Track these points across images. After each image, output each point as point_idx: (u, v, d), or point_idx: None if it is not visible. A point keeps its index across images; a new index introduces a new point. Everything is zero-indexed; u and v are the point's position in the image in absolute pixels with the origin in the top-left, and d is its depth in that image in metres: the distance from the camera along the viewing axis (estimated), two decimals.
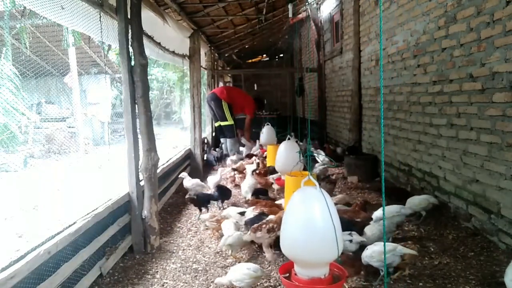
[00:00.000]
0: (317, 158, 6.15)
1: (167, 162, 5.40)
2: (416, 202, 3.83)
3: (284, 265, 2.27)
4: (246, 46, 12.00)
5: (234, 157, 7.35)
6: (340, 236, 2.03)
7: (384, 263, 1.91)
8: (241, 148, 8.15)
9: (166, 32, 5.32)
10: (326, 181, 4.79)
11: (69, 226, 2.62)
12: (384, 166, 5.90)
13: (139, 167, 3.42)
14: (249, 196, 4.68)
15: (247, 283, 2.61)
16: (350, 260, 2.74)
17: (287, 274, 2.18)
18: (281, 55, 16.98)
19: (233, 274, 2.65)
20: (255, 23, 8.41)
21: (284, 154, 4.48)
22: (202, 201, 4.38)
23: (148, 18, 4.32)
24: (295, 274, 2.11)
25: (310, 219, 2.04)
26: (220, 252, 3.39)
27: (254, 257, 3.29)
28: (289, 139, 4.57)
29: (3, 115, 8.03)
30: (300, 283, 2.06)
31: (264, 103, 8.98)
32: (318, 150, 7.07)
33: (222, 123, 8.08)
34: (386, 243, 2.66)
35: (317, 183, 2.10)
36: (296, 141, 4.92)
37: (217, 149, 8.36)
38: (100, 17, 3.27)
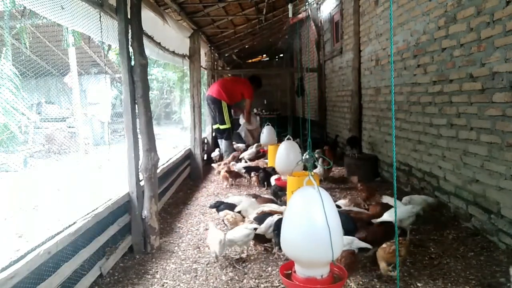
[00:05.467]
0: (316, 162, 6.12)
1: (167, 162, 5.39)
2: (416, 201, 3.83)
3: (286, 263, 2.28)
4: (246, 46, 12.00)
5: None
6: (337, 237, 2.01)
7: (397, 262, 1.90)
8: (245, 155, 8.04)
9: (166, 32, 5.32)
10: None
11: (69, 226, 2.62)
12: (384, 166, 5.90)
13: (139, 167, 3.42)
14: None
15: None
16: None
17: (290, 272, 2.19)
18: (281, 55, 16.99)
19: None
20: (255, 23, 8.41)
21: (284, 154, 4.47)
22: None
23: (148, 18, 4.32)
24: (295, 272, 2.12)
25: (307, 219, 2.04)
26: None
27: (260, 256, 3.29)
28: (289, 139, 4.56)
29: (3, 115, 8.02)
30: (297, 281, 2.07)
31: (261, 81, 8.82)
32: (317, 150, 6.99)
33: (221, 126, 8.08)
34: (344, 236, 2.59)
35: (315, 183, 2.09)
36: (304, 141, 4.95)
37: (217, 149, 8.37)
38: (100, 17, 3.27)
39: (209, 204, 4.54)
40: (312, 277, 2.04)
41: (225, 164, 6.57)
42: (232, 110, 8.53)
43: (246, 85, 8.39)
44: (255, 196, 4.41)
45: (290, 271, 2.18)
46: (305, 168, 4.19)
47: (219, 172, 6.16)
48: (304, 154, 3.98)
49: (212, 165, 6.84)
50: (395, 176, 1.77)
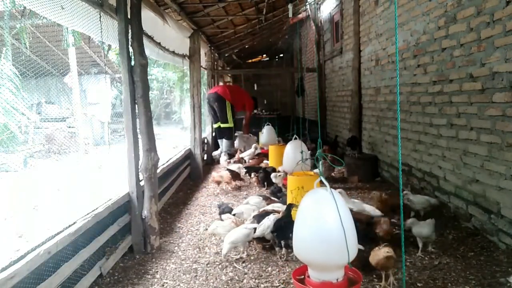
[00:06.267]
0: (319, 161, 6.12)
1: (167, 162, 5.40)
2: (418, 200, 3.83)
3: (299, 268, 2.25)
4: (246, 46, 12.01)
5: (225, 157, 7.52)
6: (352, 239, 1.98)
7: (403, 265, 1.89)
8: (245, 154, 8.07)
9: (166, 32, 5.32)
10: None
11: (69, 226, 2.62)
12: (384, 166, 5.90)
13: (139, 167, 3.42)
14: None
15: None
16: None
17: (302, 277, 2.15)
18: (281, 55, 17.00)
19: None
20: (255, 23, 8.41)
21: (291, 154, 4.49)
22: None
23: (148, 18, 4.32)
24: (308, 277, 2.08)
25: (320, 221, 2.00)
26: (220, 252, 3.39)
27: (260, 256, 3.29)
28: (295, 138, 4.58)
29: (3, 115, 8.01)
30: (311, 286, 2.03)
31: (257, 102, 9.81)
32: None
33: (222, 125, 8.07)
34: None
35: (328, 185, 2.06)
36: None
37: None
38: (100, 17, 3.27)
39: (209, 204, 4.57)
40: (327, 281, 2.00)
41: (234, 162, 6.72)
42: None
43: (250, 99, 8.82)
44: (266, 198, 4.43)
45: (303, 276, 2.15)
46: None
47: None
48: (303, 155, 4.00)
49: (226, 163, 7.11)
50: (401, 176, 1.77)
